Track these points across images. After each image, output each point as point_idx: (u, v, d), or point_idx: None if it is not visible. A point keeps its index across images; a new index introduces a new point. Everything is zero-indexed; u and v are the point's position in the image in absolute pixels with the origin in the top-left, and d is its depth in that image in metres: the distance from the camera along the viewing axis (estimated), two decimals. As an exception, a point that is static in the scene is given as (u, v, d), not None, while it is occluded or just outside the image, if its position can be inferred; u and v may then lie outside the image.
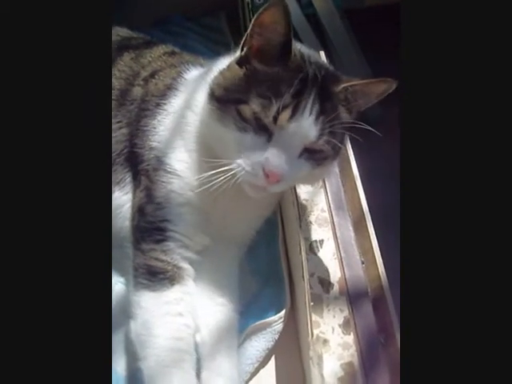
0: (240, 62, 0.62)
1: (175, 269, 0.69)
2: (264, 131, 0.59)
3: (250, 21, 0.95)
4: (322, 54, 1.02)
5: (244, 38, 0.61)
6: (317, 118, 0.58)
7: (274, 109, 0.57)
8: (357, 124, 0.64)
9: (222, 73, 0.64)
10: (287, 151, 0.59)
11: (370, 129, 0.62)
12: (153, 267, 0.68)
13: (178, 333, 0.66)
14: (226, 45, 1.13)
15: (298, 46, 0.64)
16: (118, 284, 0.78)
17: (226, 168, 0.59)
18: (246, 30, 1.03)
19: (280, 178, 0.59)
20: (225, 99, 0.61)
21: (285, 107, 0.57)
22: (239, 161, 0.60)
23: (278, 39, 0.59)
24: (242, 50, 0.61)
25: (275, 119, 0.58)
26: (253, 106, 0.58)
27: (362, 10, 1.59)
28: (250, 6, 0.99)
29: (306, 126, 0.58)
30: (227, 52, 0.80)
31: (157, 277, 0.67)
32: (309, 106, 0.58)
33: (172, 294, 0.67)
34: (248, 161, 0.59)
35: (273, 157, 0.58)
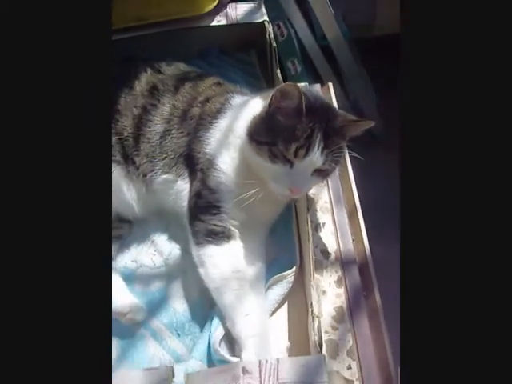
0: (268, 114, 0.78)
1: (229, 231, 0.84)
2: (288, 162, 0.76)
3: (276, 59, 1.16)
4: (331, 85, 1.15)
5: (270, 98, 0.77)
6: (322, 152, 0.75)
7: (293, 149, 0.74)
8: (352, 142, 0.82)
9: (255, 118, 0.80)
10: (304, 174, 0.77)
11: (358, 156, 0.82)
12: (214, 230, 0.83)
13: (237, 268, 0.81)
14: (256, 76, 1.24)
15: (308, 94, 0.78)
16: (174, 249, 0.94)
17: (257, 189, 0.78)
18: (272, 66, 1.24)
19: (300, 192, 0.80)
20: (260, 141, 0.77)
21: (301, 147, 0.74)
22: (273, 183, 0.78)
23: (293, 106, 0.75)
24: (270, 106, 0.77)
25: (295, 155, 0.75)
26: (280, 148, 0.75)
27: (370, 39, 1.72)
28: (277, 48, 1.14)
29: (315, 158, 0.75)
30: (258, 83, 0.97)
31: (218, 235, 0.83)
32: (317, 144, 0.75)
33: (229, 245, 0.83)
34: (279, 183, 0.77)
35: (295, 180, 0.77)
